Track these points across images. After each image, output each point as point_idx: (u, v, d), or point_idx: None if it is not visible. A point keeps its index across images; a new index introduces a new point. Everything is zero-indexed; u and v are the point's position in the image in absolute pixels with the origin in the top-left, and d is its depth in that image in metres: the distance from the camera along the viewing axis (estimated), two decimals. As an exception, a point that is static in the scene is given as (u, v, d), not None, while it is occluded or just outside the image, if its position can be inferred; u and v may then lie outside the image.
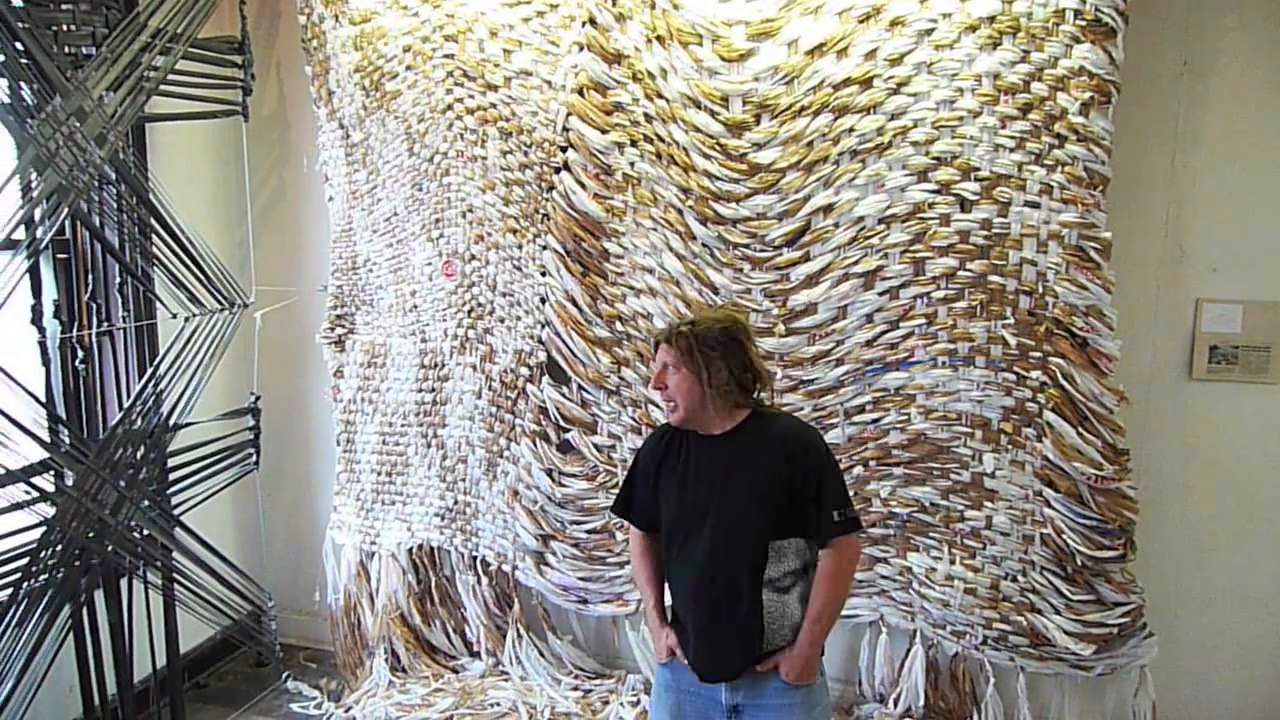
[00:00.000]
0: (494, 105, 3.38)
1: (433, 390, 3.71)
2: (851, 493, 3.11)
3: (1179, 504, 3.11)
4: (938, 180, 2.91)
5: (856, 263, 3.04)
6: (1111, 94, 2.72)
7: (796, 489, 2.10)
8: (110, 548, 2.95)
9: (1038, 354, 2.89)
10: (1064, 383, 2.85)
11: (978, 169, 2.87)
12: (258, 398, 3.86)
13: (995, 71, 2.81)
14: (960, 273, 2.94)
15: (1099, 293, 2.79)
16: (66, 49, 2.80)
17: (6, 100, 2.57)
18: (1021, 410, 2.95)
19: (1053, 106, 2.77)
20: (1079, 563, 2.90)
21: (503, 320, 3.53)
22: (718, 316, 2.21)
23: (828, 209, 3.05)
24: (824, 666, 2.24)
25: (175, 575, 3.34)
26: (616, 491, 3.39)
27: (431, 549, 3.83)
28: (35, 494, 2.68)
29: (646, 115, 3.19)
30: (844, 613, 3.26)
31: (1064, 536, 2.90)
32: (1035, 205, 2.83)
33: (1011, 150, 2.83)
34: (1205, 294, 3.03)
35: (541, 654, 3.67)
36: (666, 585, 2.31)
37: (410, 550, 3.83)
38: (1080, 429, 2.84)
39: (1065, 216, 2.80)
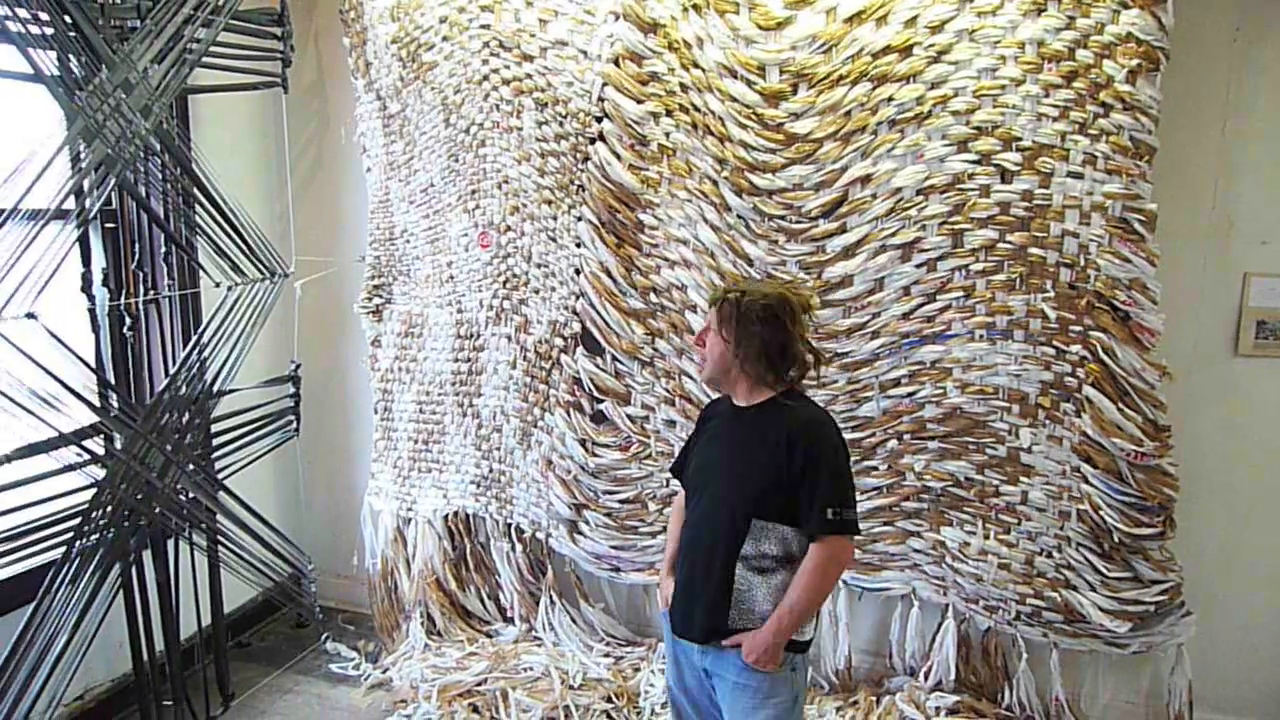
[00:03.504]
0: (530, 76, 3.38)
1: (468, 360, 3.75)
2: (885, 466, 3.14)
3: (1221, 481, 3.06)
4: (978, 150, 2.86)
5: (894, 234, 3.01)
6: (1160, 61, 2.65)
7: (791, 476, 2.08)
8: (158, 509, 3.04)
9: (1078, 328, 2.85)
10: (1105, 357, 2.81)
11: (1019, 139, 2.82)
12: (298, 366, 3.93)
13: (1039, 38, 2.75)
14: (1000, 245, 2.90)
15: (1143, 265, 2.74)
16: (113, 22, 2.85)
17: (56, 73, 2.62)
18: (1060, 385, 2.91)
19: (1098, 74, 2.70)
20: (1116, 540, 2.87)
21: (538, 291, 3.55)
22: (767, 291, 2.18)
23: (865, 180, 3.01)
24: (798, 663, 2.19)
25: (219, 537, 3.43)
26: (652, 463, 3.46)
27: (467, 516, 3.89)
28: (86, 456, 2.76)
29: (682, 85, 3.17)
30: (876, 586, 3.29)
31: (1101, 513, 2.87)
32: (1078, 176, 2.78)
33: (1055, 119, 2.77)
34: (1253, 268, 2.96)
35: (574, 620, 3.73)
36: None
37: (446, 517, 3.89)
38: (1120, 404, 2.80)
39: (1109, 187, 2.74)
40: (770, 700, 2.15)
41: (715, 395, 2.43)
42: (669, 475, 3.45)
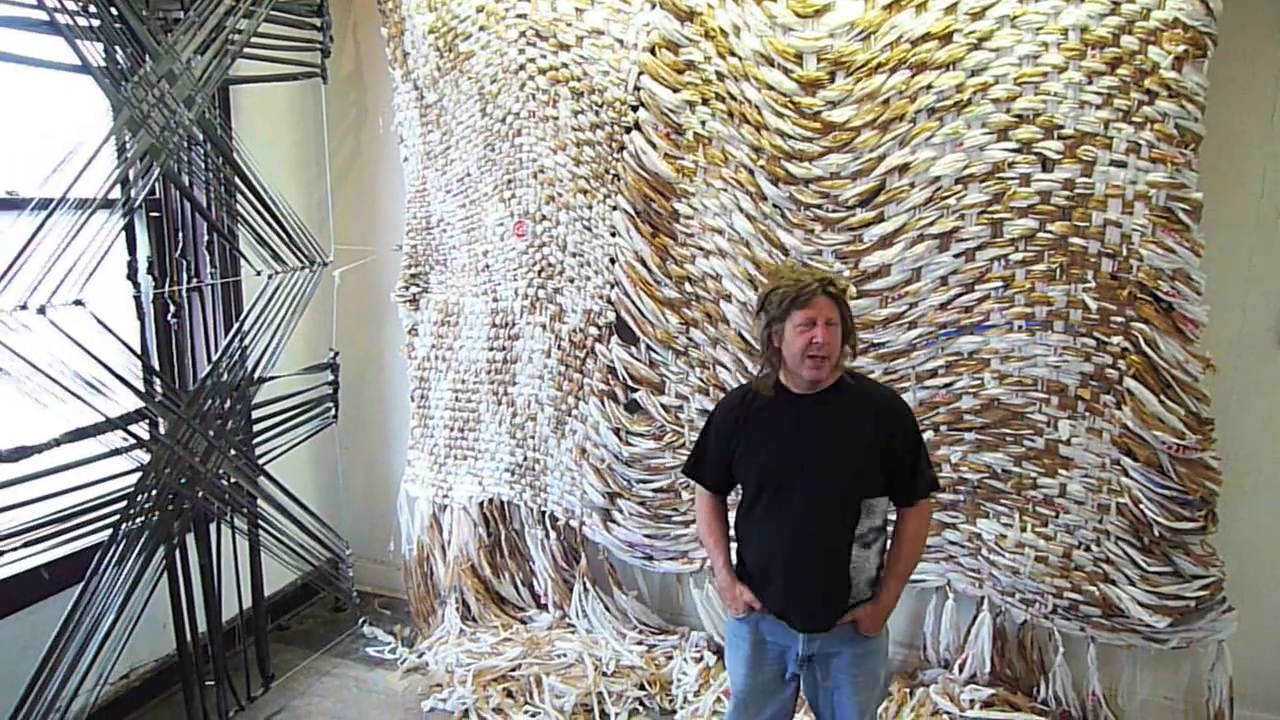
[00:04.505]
0: (566, 65, 3.38)
1: (504, 349, 3.78)
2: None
3: (1266, 475, 3.00)
4: (1018, 139, 2.83)
5: (932, 224, 2.98)
6: (1207, 47, 2.60)
7: (891, 452, 2.18)
8: (200, 493, 3.10)
9: (1119, 319, 2.81)
10: (1146, 349, 2.77)
11: (1061, 127, 2.77)
12: (336, 354, 3.98)
13: (1083, 24, 2.70)
14: (1040, 234, 2.86)
15: (1187, 256, 2.69)
16: (157, 14, 2.90)
17: (103, 64, 2.66)
18: (1101, 376, 2.87)
19: (1143, 61, 2.65)
20: (1156, 534, 2.84)
21: (572, 280, 3.57)
22: (832, 274, 2.25)
23: (903, 168, 2.99)
24: None
25: (260, 522, 3.49)
26: (686, 452, 3.45)
27: (502, 503, 3.93)
28: (132, 441, 2.82)
29: (718, 73, 3.16)
30: (911, 577, 3.26)
31: (1141, 506, 2.83)
32: (1121, 164, 2.73)
33: (1098, 107, 2.73)
34: (1302, 258, 2.90)
35: (607, 608, 3.75)
36: (744, 539, 2.35)
37: (481, 504, 3.93)
38: (1162, 397, 2.76)
39: (1153, 176, 2.69)
40: (880, 655, 2.33)
41: (732, 392, 2.40)
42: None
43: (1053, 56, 2.75)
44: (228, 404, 3.29)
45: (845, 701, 2.29)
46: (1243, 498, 2.95)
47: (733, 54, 3.12)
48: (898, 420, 2.21)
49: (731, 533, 2.42)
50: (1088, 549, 2.97)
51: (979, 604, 3.23)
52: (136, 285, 3.09)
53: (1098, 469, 2.92)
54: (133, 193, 2.76)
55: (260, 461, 3.53)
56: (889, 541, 2.30)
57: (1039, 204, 2.84)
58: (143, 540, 2.87)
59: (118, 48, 2.72)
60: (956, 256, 2.98)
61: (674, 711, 3.30)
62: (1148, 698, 3.17)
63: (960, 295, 3.00)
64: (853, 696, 2.28)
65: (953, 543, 3.20)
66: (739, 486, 2.38)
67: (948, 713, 3.12)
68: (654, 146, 3.28)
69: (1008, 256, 2.92)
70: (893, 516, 2.30)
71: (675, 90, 3.21)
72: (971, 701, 3.14)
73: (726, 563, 2.37)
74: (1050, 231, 2.84)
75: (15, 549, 2.56)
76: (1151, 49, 2.64)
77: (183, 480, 3.00)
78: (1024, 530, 3.05)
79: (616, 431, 3.55)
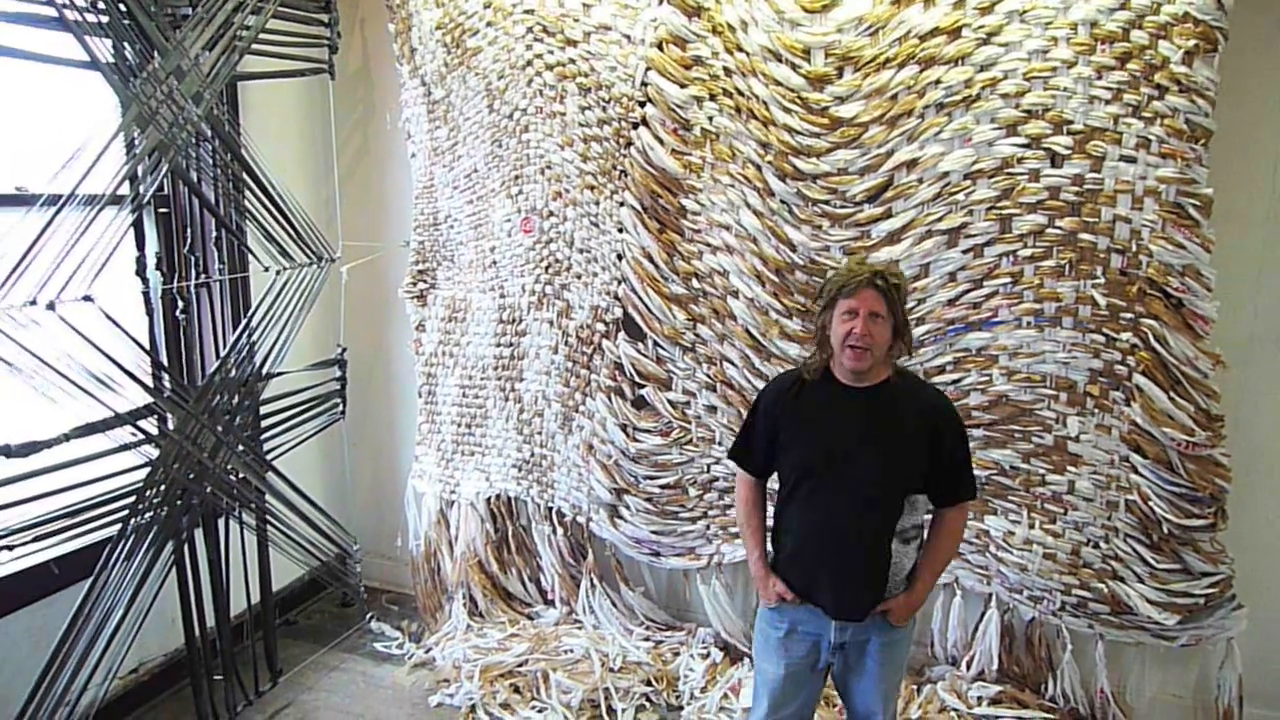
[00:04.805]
0: (573, 61, 3.38)
1: (511, 345, 3.78)
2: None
3: (1276, 473, 2.99)
4: (1028, 134, 2.81)
5: (940, 219, 2.97)
6: (1218, 41, 2.58)
7: (935, 453, 2.21)
8: (209, 489, 3.11)
9: (1129, 315, 2.80)
10: (1156, 345, 2.76)
11: (1070, 122, 2.76)
12: (344, 350, 3.99)
13: (1092, 19, 2.69)
14: (1049, 230, 2.85)
15: (1197, 251, 2.68)
16: (165, 10, 2.90)
17: (111, 60, 2.67)
18: (1110, 373, 2.86)
19: (1153, 56, 2.64)
20: (1165, 531, 2.83)
21: (580, 276, 3.57)
22: (893, 270, 2.25)
23: (911, 164, 2.98)
24: None
25: (268, 517, 3.50)
26: (693, 449, 3.45)
27: (509, 499, 3.93)
28: (141, 436, 2.83)
29: (726, 69, 3.15)
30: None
31: (1151, 503, 2.82)
32: (1131, 160, 2.72)
33: (1107, 102, 2.71)
34: (1313, 254, 2.88)
35: (614, 604, 3.75)
36: (783, 526, 2.37)
37: (488, 500, 3.93)
38: (1172, 393, 2.75)
39: (1163, 171, 2.68)
40: (905, 644, 2.38)
41: (781, 377, 2.42)
42: (709, 461, 3.46)
43: (1062, 51, 2.74)
44: (236, 400, 3.30)
45: (870, 688, 2.34)
46: (1252, 495, 2.93)
47: (740, 49, 3.11)
48: (944, 421, 2.23)
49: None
50: (1096, 546, 2.96)
51: (987, 601, 3.23)
52: (145, 281, 3.10)
53: (1106, 466, 2.91)
54: (141, 189, 2.77)
55: (268, 457, 3.54)
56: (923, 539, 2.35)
57: (1048, 199, 2.83)
58: (151, 535, 2.89)
59: (126, 44, 2.73)
60: (965, 252, 2.97)
61: (680, 707, 3.30)
62: (1156, 695, 3.16)
63: (968, 291, 2.99)
64: (878, 684, 2.34)
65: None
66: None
67: (955, 709, 3.11)
68: (661, 142, 3.28)
69: (1016, 252, 2.91)
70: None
71: (682, 86, 3.20)
72: (979, 698, 3.13)
73: (762, 554, 2.41)
74: (1059, 227, 2.83)
75: (25, 543, 2.57)
76: (1162, 43, 2.62)
77: (191, 475, 3.01)
78: (1032, 527, 3.04)
79: (624, 427, 3.55)
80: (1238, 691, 2.96)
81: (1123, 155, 2.72)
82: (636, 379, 3.53)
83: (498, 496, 3.93)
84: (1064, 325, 2.89)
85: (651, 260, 3.38)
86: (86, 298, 2.56)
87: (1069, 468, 2.96)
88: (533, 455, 3.82)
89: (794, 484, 2.29)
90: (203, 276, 3.38)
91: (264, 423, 3.57)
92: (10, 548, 2.53)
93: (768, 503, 2.49)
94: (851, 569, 2.24)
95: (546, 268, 3.62)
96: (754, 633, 2.50)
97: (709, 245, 3.31)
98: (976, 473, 3.05)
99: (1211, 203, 2.66)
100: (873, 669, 2.32)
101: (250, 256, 3.47)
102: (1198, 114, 2.62)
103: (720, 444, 3.44)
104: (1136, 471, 2.84)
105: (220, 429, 3.13)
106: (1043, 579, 3.04)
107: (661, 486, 3.56)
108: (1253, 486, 2.92)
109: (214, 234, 3.38)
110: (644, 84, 3.27)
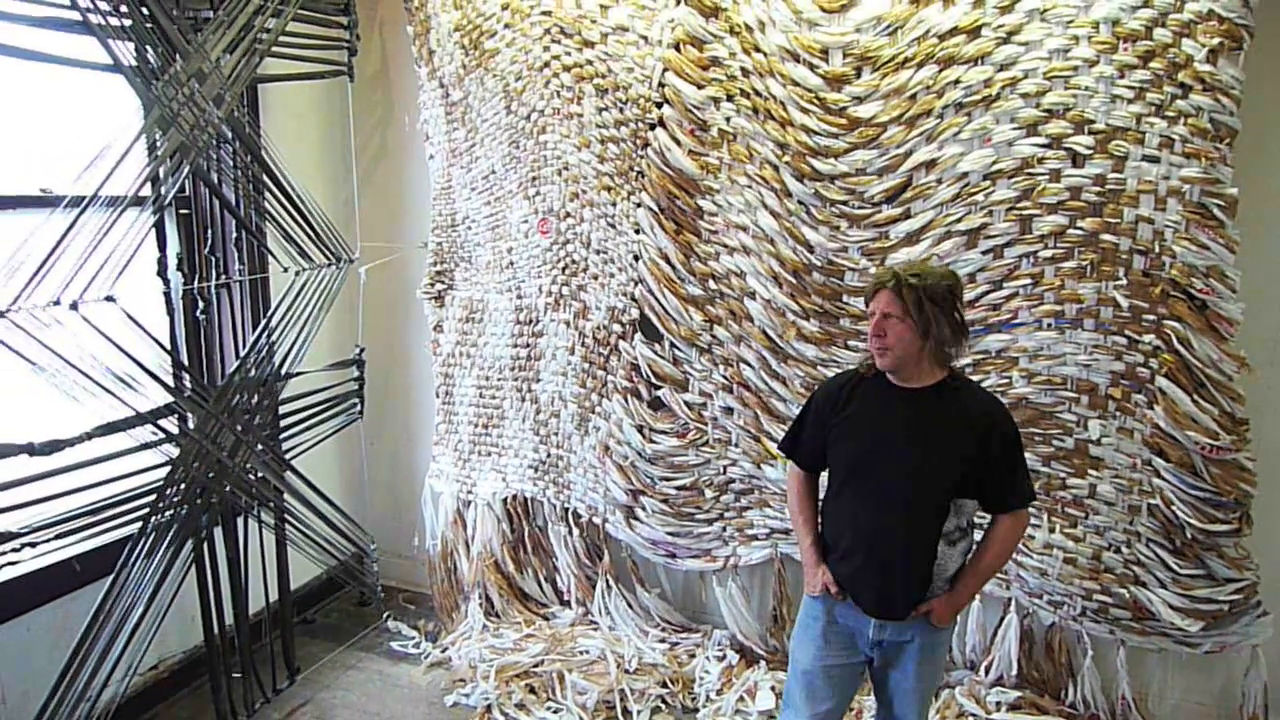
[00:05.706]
0: (590, 62, 3.38)
1: (528, 345, 3.78)
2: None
3: (1302, 478, 2.94)
4: (1048, 134, 2.79)
5: (959, 220, 2.95)
6: (1243, 39, 2.55)
7: (989, 458, 2.18)
8: (228, 487, 3.13)
9: (1151, 317, 2.76)
10: (1179, 347, 2.72)
11: (1092, 121, 2.73)
12: (362, 350, 4.01)
13: (1114, 17, 2.66)
14: (1070, 231, 2.82)
15: (1221, 252, 2.64)
16: (187, 13, 2.93)
17: (134, 63, 2.70)
18: (1132, 375, 2.83)
19: (1177, 54, 2.61)
20: (1189, 536, 2.79)
21: (596, 277, 3.57)
22: (941, 271, 2.24)
23: (930, 164, 2.96)
24: None
25: (286, 516, 3.52)
26: (709, 450, 3.44)
27: (525, 499, 3.94)
28: (161, 435, 2.86)
29: (743, 69, 3.14)
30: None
31: (1173, 508, 2.78)
32: (1154, 159, 2.68)
33: (1130, 101, 2.68)
34: (1341, 255, 2.83)
35: (630, 605, 3.75)
36: (830, 522, 2.38)
37: (505, 500, 3.94)
38: (1196, 396, 2.71)
39: (1187, 171, 2.64)
40: (948, 644, 2.39)
41: (839, 375, 2.43)
42: (726, 463, 3.45)
43: (1083, 50, 2.71)
44: (255, 399, 3.32)
45: (908, 688, 2.33)
46: (1278, 500, 2.88)
47: (758, 50, 3.10)
48: (996, 427, 2.20)
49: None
50: (1118, 551, 2.93)
51: (1006, 605, 3.20)
52: (166, 282, 3.13)
53: (1128, 469, 2.88)
54: (163, 190, 2.80)
55: (287, 456, 3.56)
56: (973, 542, 2.32)
57: (1069, 200, 2.80)
58: (171, 533, 2.91)
59: (148, 47, 2.76)
60: (984, 253, 2.95)
61: (696, 710, 3.29)
62: (1179, 702, 3.12)
63: (988, 293, 2.97)
64: (916, 684, 2.33)
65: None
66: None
67: (974, 715, 3.08)
68: (678, 143, 3.27)
69: (1037, 253, 2.88)
70: (979, 518, 2.30)
71: (700, 86, 3.19)
72: (998, 704, 3.10)
73: (814, 542, 2.40)
74: (1080, 228, 2.80)
75: (47, 541, 2.60)
76: (1185, 42, 2.59)
77: (211, 474, 3.04)
78: (1052, 531, 3.01)
79: (640, 429, 3.55)
80: (1263, 700, 2.92)
81: (1145, 155, 2.69)
82: (653, 380, 3.52)
83: (514, 497, 3.93)
84: (1085, 327, 2.86)
85: (668, 261, 3.38)
86: (109, 298, 2.59)
87: (1090, 471, 2.93)
88: (549, 456, 3.82)
89: (842, 481, 2.32)
90: (223, 277, 3.41)
91: (283, 422, 3.60)
92: (33, 545, 2.56)
93: (818, 496, 2.48)
94: (894, 568, 2.23)
95: (563, 269, 3.63)
96: (794, 626, 2.50)
97: (726, 246, 3.30)
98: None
99: (1236, 203, 2.62)
100: (911, 669, 2.32)
101: (270, 257, 3.50)
102: (1222, 113, 2.59)
103: (736, 445, 3.43)
104: (1159, 475, 2.81)
105: (240, 428, 3.15)
106: (1063, 584, 3.01)
107: (678, 488, 3.55)
108: (1277, 491, 2.87)
109: (234, 235, 3.41)
110: (661, 85, 3.27)
